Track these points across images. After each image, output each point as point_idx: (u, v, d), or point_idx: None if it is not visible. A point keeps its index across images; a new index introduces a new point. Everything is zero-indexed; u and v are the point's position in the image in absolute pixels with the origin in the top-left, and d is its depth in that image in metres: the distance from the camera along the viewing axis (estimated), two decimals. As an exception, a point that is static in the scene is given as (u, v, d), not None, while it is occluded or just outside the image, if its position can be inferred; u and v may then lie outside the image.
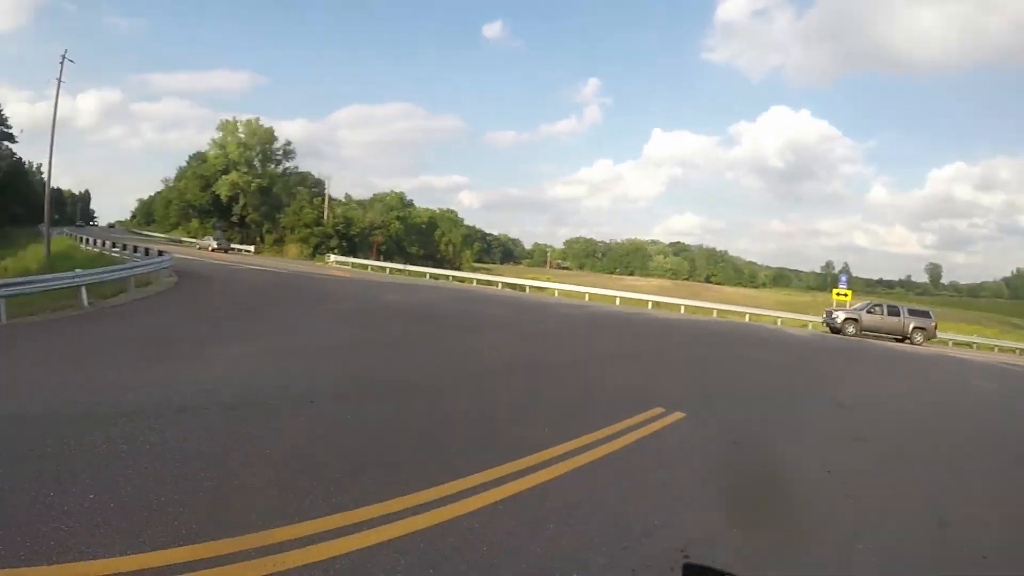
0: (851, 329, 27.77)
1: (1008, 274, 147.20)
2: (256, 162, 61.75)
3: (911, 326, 27.72)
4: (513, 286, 40.48)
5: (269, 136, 63.77)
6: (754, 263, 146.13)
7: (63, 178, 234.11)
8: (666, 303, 36.69)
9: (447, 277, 42.42)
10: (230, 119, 61.95)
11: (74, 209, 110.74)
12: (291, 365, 7.91)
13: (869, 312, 28.49)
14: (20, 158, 72.64)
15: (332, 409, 5.78)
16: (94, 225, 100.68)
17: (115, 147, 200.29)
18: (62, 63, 29.26)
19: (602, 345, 12.85)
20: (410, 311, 16.03)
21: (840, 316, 28.49)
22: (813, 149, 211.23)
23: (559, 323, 17.07)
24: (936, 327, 28.67)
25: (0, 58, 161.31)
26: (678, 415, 6.52)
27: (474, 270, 70.79)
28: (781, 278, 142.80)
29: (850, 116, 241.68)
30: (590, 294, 36.74)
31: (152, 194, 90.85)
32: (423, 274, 42.60)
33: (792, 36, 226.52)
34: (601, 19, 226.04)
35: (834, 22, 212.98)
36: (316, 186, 65.30)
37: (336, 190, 78.85)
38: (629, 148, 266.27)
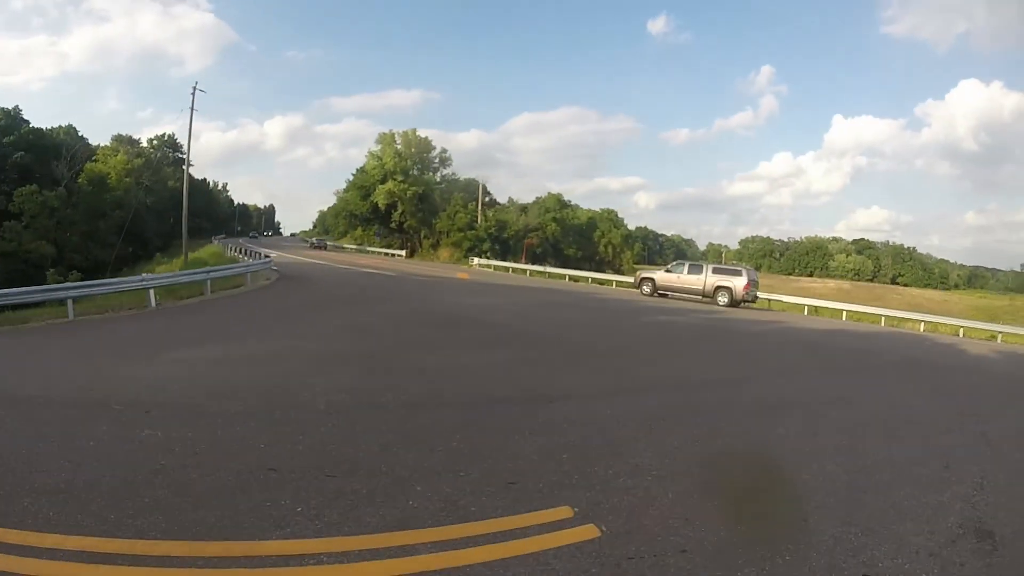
0: (646, 289, 26.95)
1: None
2: (414, 171, 64.68)
3: (714, 286, 24.88)
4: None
5: (426, 145, 66.79)
6: (946, 261, 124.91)
7: (255, 194, 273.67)
8: (826, 308, 31.10)
9: (587, 279, 40.40)
10: (387, 132, 65.75)
11: (259, 221, 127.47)
12: (210, 374, 7.65)
13: (668, 271, 27.15)
14: (205, 179, 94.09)
15: (152, 423, 5.29)
16: (269, 235, 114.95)
17: (301, 165, 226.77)
18: (193, 93, 33.57)
19: (635, 370, 9.37)
20: (451, 317, 14.72)
21: (640, 276, 28.56)
22: (1010, 126, 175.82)
23: (635, 333, 14.54)
24: (749, 287, 24.76)
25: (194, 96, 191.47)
26: (588, 530, 3.61)
27: (634, 272, 67.67)
28: (976, 278, 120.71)
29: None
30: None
31: (329, 206, 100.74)
32: (564, 276, 41.06)
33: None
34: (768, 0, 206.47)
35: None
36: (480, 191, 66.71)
37: (508, 196, 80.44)
38: (809, 138, 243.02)
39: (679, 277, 26.05)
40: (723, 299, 24.44)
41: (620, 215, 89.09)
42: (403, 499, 3.88)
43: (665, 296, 26.09)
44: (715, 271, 25.80)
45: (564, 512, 3.80)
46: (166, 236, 65.40)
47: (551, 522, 3.67)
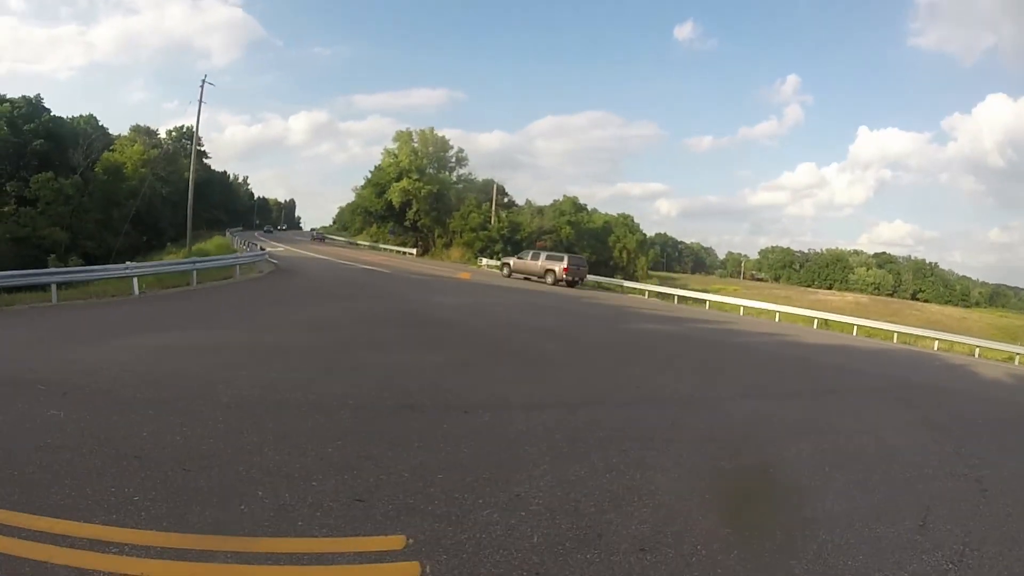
0: (505, 271, 33.90)
1: None
2: (430, 169, 64.72)
3: (544, 268, 31.16)
4: (662, 295, 37.02)
5: (443, 144, 67.01)
6: (968, 278, 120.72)
7: (277, 189, 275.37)
8: (837, 322, 30.36)
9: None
10: (404, 130, 66.10)
11: (279, 215, 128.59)
12: (150, 360, 7.69)
13: (519, 258, 33.62)
14: (225, 171, 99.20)
15: (62, 404, 5.29)
16: (284, 229, 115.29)
17: (324, 161, 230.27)
18: (202, 85, 34.07)
19: (584, 381, 8.55)
20: (422, 317, 14.47)
21: (503, 261, 35.82)
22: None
23: (607, 341, 14.16)
24: (567, 270, 30.53)
25: (219, 89, 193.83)
26: (408, 568, 3.11)
27: (649, 279, 66.80)
28: (998, 296, 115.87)
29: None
30: (744, 307, 31.91)
31: (348, 202, 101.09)
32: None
33: (1003, 10, 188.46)
34: (796, 9, 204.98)
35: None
36: (498, 193, 66.38)
37: (528, 198, 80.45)
38: (833, 149, 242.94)
39: (525, 262, 32.58)
40: (549, 279, 30.54)
41: (641, 221, 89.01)
42: (237, 502, 3.68)
43: (529, 280, 31.53)
44: (547, 257, 32.02)
45: (395, 542, 3.33)
46: (180, 226, 66.09)
47: (373, 551, 3.22)
